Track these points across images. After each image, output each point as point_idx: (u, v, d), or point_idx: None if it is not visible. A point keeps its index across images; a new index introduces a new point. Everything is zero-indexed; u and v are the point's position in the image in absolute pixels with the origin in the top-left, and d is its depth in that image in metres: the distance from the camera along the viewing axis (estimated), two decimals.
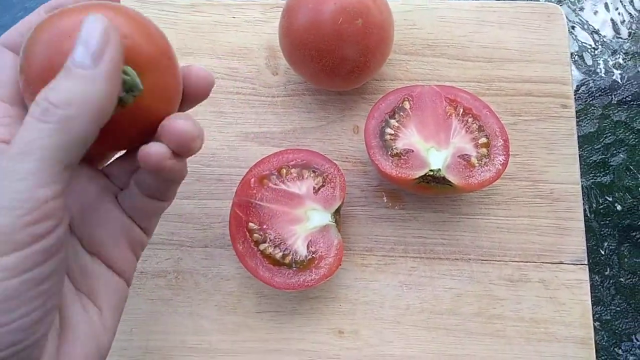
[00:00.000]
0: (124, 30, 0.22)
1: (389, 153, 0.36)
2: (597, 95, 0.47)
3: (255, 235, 0.35)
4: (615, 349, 0.41)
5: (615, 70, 0.48)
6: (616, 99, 0.47)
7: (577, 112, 0.43)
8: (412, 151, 0.36)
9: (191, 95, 0.26)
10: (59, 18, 0.22)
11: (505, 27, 0.43)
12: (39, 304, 0.20)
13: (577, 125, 0.42)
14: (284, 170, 0.37)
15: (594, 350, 0.36)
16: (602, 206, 0.44)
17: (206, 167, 0.41)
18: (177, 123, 0.24)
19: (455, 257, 0.38)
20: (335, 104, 0.42)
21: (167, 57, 0.24)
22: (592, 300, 0.37)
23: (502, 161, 0.36)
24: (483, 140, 0.37)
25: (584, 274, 0.37)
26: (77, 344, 0.23)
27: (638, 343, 0.41)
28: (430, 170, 0.35)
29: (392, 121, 0.37)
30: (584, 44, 0.49)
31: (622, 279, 0.43)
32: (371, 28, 0.35)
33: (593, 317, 0.37)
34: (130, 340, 0.37)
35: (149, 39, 0.23)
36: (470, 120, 0.37)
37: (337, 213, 0.36)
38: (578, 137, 0.41)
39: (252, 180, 0.37)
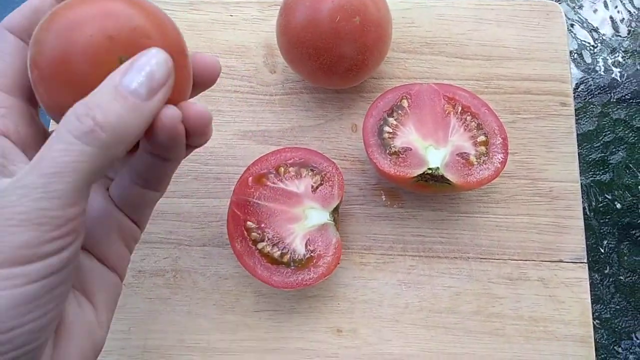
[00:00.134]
0: (142, 27, 0.22)
1: (387, 151, 0.36)
2: (596, 93, 0.46)
3: (253, 234, 0.35)
4: (615, 348, 0.41)
5: (614, 68, 0.48)
6: (615, 97, 0.47)
7: (576, 110, 0.43)
8: (411, 149, 0.36)
9: (199, 82, 0.26)
10: (70, 8, 0.21)
11: (503, 25, 0.43)
12: (51, 307, 0.20)
13: (576, 123, 0.42)
14: (282, 169, 0.37)
15: (594, 349, 0.36)
16: (601, 204, 0.44)
17: (204, 166, 0.40)
18: (196, 106, 0.23)
19: (454, 255, 0.38)
20: (333, 102, 0.42)
21: (182, 52, 0.24)
22: (591, 299, 0.37)
23: (501, 159, 0.35)
24: (482, 138, 0.36)
25: (583, 272, 0.37)
26: (72, 341, 0.23)
27: (638, 341, 0.41)
28: (429, 169, 0.35)
29: (391, 119, 0.37)
30: (583, 42, 0.49)
31: (621, 277, 0.42)
32: (369, 26, 0.35)
33: (592, 315, 0.37)
34: (128, 339, 0.37)
35: (165, 35, 0.23)
36: (468, 118, 0.37)
37: (335, 212, 0.36)
38: (577, 135, 0.41)
39: (250, 178, 0.37)
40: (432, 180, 0.35)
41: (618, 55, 0.47)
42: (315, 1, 0.35)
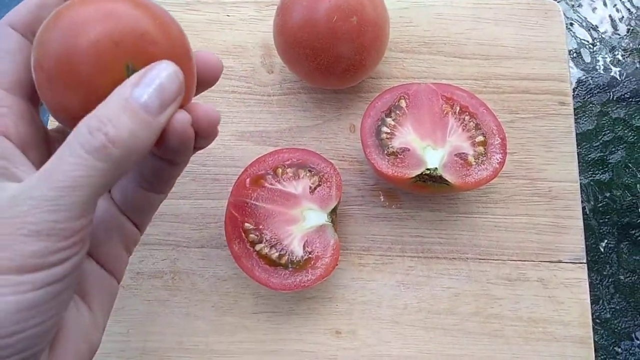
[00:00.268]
0: (147, 31, 0.21)
1: (385, 152, 0.36)
2: (595, 92, 0.46)
3: (251, 235, 0.35)
4: (615, 348, 0.41)
5: (613, 67, 0.47)
6: (615, 96, 0.46)
7: (575, 109, 0.43)
8: (409, 150, 0.36)
9: (201, 81, 0.26)
10: (75, 8, 0.21)
11: (502, 24, 0.42)
12: (54, 313, 0.20)
13: (575, 122, 0.42)
14: (280, 170, 0.37)
15: (593, 350, 0.35)
16: (600, 204, 0.44)
17: (202, 167, 0.40)
18: (204, 107, 0.24)
19: (453, 256, 0.38)
20: (331, 103, 0.42)
21: (187, 55, 0.23)
22: (591, 299, 0.37)
23: (499, 160, 0.35)
24: (480, 138, 0.36)
25: (582, 273, 0.37)
26: (69, 344, 0.23)
27: (638, 342, 0.41)
28: (427, 169, 0.35)
29: (389, 120, 0.37)
30: (582, 41, 0.48)
31: (621, 277, 0.42)
32: (366, 26, 0.35)
33: (592, 316, 0.37)
34: (127, 341, 0.37)
35: (171, 39, 0.23)
36: (467, 118, 0.37)
37: (333, 212, 0.36)
38: (576, 134, 0.40)
39: (248, 180, 0.36)
40: (430, 180, 0.35)
41: (617, 54, 0.47)
42: (312, 1, 0.35)
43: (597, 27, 0.49)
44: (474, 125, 0.37)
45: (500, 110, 0.40)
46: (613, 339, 0.41)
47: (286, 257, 0.35)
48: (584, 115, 0.46)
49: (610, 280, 0.43)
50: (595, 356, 0.36)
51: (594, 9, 0.50)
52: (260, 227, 0.35)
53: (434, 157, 0.36)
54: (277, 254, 0.35)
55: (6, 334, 0.19)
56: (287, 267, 0.34)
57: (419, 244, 0.38)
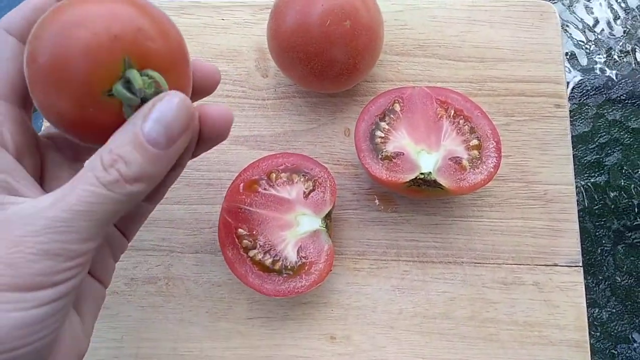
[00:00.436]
0: (146, 30, 0.21)
1: (380, 156, 0.36)
2: (591, 94, 0.46)
3: (244, 241, 0.35)
4: (611, 351, 0.41)
5: (609, 69, 0.47)
6: (611, 98, 0.46)
7: (571, 111, 0.43)
8: (403, 154, 0.36)
9: (198, 90, 0.26)
10: (73, 5, 0.21)
11: (497, 26, 0.42)
12: (54, 328, 0.21)
13: (571, 124, 0.42)
14: (274, 175, 0.37)
15: (589, 353, 0.35)
16: (596, 207, 0.43)
17: (196, 172, 0.40)
18: (217, 107, 0.24)
19: (448, 260, 0.38)
20: (326, 107, 0.41)
21: (183, 57, 0.23)
22: (587, 302, 0.36)
23: (494, 163, 0.35)
24: (474, 142, 0.36)
25: (578, 276, 0.37)
26: (60, 354, 0.23)
27: (634, 345, 0.41)
28: (421, 174, 0.34)
29: (383, 124, 0.37)
30: (578, 43, 0.48)
31: (617, 279, 0.42)
32: (360, 29, 0.35)
33: (588, 319, 0.36)
34: (121, 347, 0.37)
35: (168, 40, 0.22)
36: (461, 122, 0.37)
37: (328, 217, 0.36)
38: (572, 136, 0.40)
39: (241, 185, 0.36)
40: (424, 185, 0.35)
41: (613, 55, 0.47)
42: (306, 5, 0.35)
43: (593, 28, 0.49)
44: (468, 128, 0.36)
45: (495, 112, 0.40)
46: (609, 342, 0.41)
47: (280, 263, 0.35)
48: (579, 117, 0.46)
49: (606, 283, 0.42)
50: (592, 359, 0.35)
51: (589, 11, 0.49)
52: (254, 232, 0.35)
53: (428, 162, 0.35)
54: (270, 260, 0.35)
55: (5, 349, 0.19)
56: (281, 273, 0.34)
57: (414, 248, 0.38)
